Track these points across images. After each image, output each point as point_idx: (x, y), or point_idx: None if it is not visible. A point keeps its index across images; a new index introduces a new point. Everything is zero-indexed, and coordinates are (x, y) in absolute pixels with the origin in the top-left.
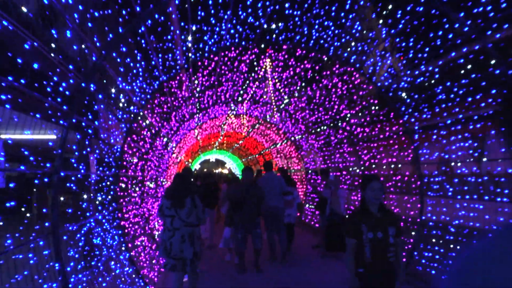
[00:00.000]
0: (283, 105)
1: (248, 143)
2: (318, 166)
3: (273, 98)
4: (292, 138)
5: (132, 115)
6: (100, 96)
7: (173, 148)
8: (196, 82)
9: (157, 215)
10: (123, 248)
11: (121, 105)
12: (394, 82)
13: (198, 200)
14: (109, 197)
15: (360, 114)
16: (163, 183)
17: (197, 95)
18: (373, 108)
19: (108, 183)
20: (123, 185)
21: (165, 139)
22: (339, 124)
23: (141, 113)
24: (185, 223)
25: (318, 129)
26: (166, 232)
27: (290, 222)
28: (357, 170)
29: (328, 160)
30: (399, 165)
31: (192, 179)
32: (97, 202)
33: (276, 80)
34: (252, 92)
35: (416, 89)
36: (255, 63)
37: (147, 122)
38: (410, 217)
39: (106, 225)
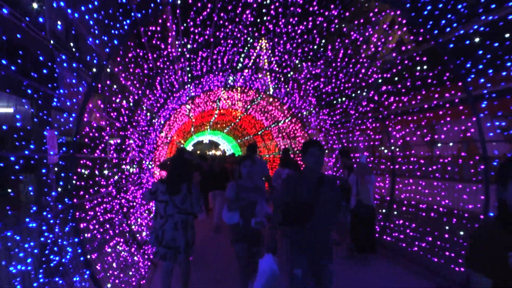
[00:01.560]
0: (292, 72)
1: (245, 122)
2: (330, 146)
3: (279, 63)
4: (299, 115)
5: (91, 68)
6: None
7: (161, 126)
8: (186, 34)
9: (145, 197)
10: (81, 264)
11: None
12: (463, 26)
13: (194, 187)
14: (57, 190)
15: (396, 79)
16: (150, 167)
17: (187, 55)
18: (417, 69)
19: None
20: (86, 172)
21: (148, 113)
22: (364, 93)
23: (108, 68)
24: (178, 209)
25: (334, 101)
26: (158, 219)
27: None
28: (386, 151)
29: (344, 139)
30: (450, 144)
31: (190, 161)
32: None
33: (287, 38)
34: (255, 56)
35: (500, 33)
36: (264, 9)
37: (121, 85)
38: (467, 212)
39: (46, 235)
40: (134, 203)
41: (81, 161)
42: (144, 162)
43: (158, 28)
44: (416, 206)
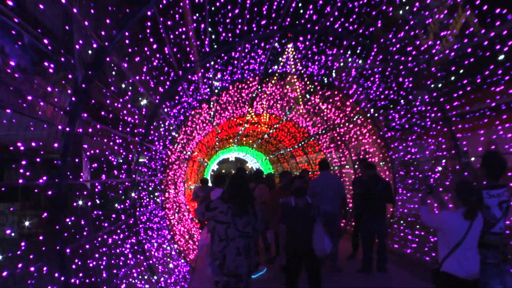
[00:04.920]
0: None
1: (281, 132)
2: (429, 154)
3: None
4: (372, 111)
5: None
6: None
7: (172, 131)
8: None
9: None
10: None
11: None
12: None
13: (259, 209)
14: None
15: None
16: (155, 196)
17: None
18: None
19: None
20: None
21: (143, 102)
22: None
23: None
24: (240, 233)
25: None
26: (217, 242)
27: None
28: None
29: (465, 141)
30: None
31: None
32: None
33: None
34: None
35: None
36: None
37: None
38: None
39: None
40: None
41: None
42: (142, 188)
43: None
44: None
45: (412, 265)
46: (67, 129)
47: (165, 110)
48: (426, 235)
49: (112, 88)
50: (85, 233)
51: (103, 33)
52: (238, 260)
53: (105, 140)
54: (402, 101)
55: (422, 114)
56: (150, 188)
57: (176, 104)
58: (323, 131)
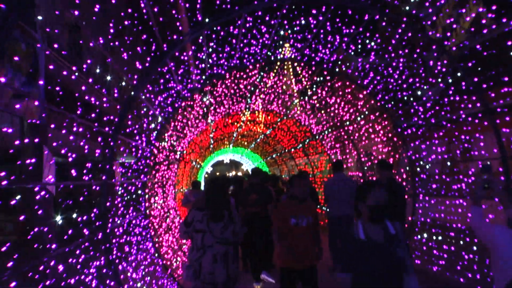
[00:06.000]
0: None
1: (280, 131)
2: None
3: None
4: (390, 104)
5: None
6: None
7: (159, 124)
8: None
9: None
10: None
11: None
12: None
13: (236, 213)
14: None
15: None
16: (143, 198)
17: None
18: None
19: None
20: None
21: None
22: None
23: None
24: (218, 239)
25: None
26: (194, 251)
27: None
28: None
29: None
30: None
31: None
32: None
33: None
34: None
35: None
36: None
37: None
38: None
39: None
40: None
41: None
42: (117, 193)
43: None
44: None
45: (438, 283)
46: None
47: (148, 96)
48: (457, 250)
49: (57, 46)
50: (11, 263)
51: None
52: (215, 268)
53: (52, 126)
54: (429, 91)
55: (456, 105)
56: (130, 192)
57: (162, 90)
58: (329, 130)
